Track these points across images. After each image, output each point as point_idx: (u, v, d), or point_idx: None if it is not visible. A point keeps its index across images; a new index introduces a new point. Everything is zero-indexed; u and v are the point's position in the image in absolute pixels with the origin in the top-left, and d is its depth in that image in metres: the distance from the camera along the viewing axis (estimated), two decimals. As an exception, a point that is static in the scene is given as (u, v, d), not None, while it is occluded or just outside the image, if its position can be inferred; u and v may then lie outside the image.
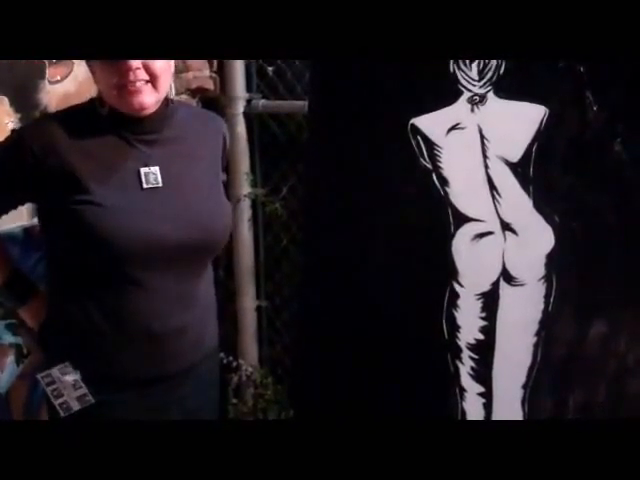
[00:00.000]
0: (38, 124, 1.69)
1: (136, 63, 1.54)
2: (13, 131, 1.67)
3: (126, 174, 1.61)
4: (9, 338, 2.28)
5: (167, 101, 1.66)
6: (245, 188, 2.81)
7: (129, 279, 1.60)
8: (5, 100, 2.20)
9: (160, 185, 1.63)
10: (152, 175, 1.63)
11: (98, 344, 1.65)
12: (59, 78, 2.32)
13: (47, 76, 2.29)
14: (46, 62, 2.28)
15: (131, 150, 1.62)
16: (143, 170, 1.62)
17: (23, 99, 2.24)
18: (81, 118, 1.63)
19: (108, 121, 1.61)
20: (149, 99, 1.58)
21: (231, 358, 2.86)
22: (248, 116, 2.77)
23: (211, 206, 1.71)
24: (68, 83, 2.33)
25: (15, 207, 1.72)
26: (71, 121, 1.62)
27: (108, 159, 1.60)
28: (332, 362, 1.82)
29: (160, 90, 1.59)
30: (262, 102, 2.75)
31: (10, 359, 2.30)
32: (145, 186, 1.61)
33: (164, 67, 1.59)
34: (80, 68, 2.28)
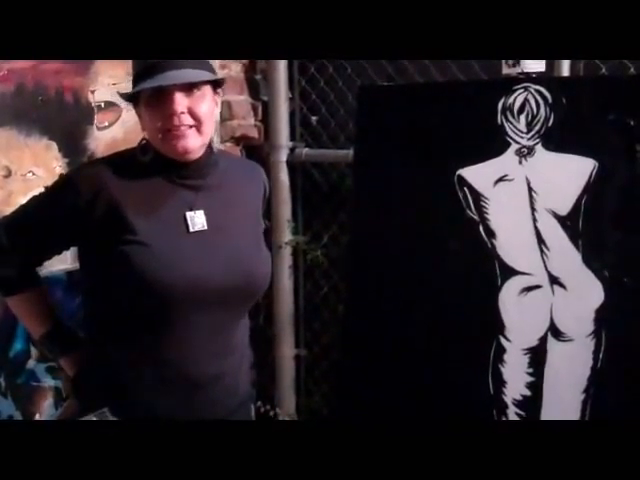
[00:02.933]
0: (86, 168, 1.70)
1: (181, 107, 1.55)
2: (61, 175, 1.69)
3: (173, 217, 1.62)
4: (49, 381, 2.28)
5: (211, 149, 1.67)
6: (287, 235, 2.81)
7: (168, 324, 1.60)
8: (54, 145, 2.23)
9: (206, 229, 1.63)
10: (198, 219, 1.63)
11: (135, 390, 1.64)
12: (107, 124, 2.35)
13: (95, 122, 2.33)
14: (95, 108, 2.32)
15: (177, 194, 1.63)
16: (189, 214, 1.62)
17: (71, 144, 2.27)
18: (129, 162, 1.65)
19: (155, 165, 1.63)
20: (193, 143, 1.59)
21: (268, 407, 2.83)
22: (291, 164, 2.77)
23: (253, 253, 1.71)
24: (116, 129, 2.36)
25: (60, 251, 1.73)
26: (119, 165, 1.63)
27: (155, 201, 1.61)
28: (375, 417, 1.79)
29: (204, 135, 1.60)
30: (305, 151, 2.76)
31: (49, 402, 2.31)
32: (192, 229, 1.62)
33: (208, 112, 1.60)
34: (128, 114, 2.31)
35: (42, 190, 1.70)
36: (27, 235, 1.68)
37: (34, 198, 1.69)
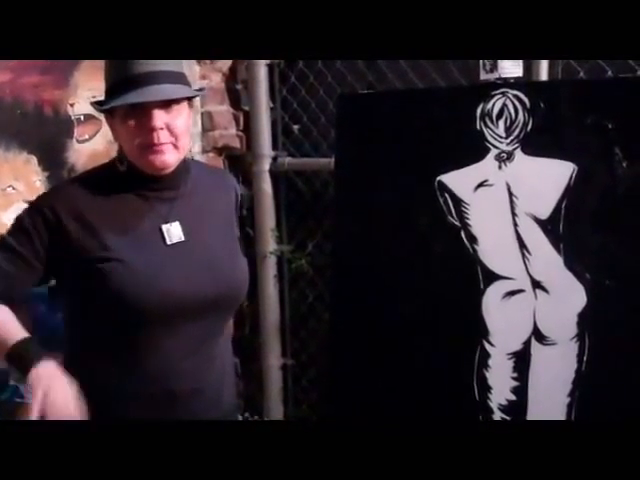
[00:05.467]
0: (57, 191, 1.68)
1: (160, 124, 1.54)
2: (31, 202, 1.67)
3: (148, 231, 1.61)
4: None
5: (184, 159, 1.66)
6: (271, 245, 2.81)
7: (148, 337, 1.59)
8: (33, 159, 2.22)
9: (183, 240, 1.63)
10: (174, 231, 1.62)
11: (115, 403, 1.63)
12: (87, 137, 2.34)
13: (75, 135, 2.32)
14: (74, 121, 2.31)
15: (151, 208, 1.62)
16: (165, 227, 1.62)
17: (51, 158, 2.27)
18: (101, 179, 1.64)
19: (127, 179, 1.62)
20: (171, 158, 1.58)
21: (256, 417, 2.82)
22: (274, 173, 2.77)
23: (230, 261, 1.70)
24: (96, 141, 2.35)
25: (46, 280, 1.68)
26: (91, 183, 1.63)
27: (128, 217, 1.61)
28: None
29: (181, 150, 1.60)
30: (288, 159, 2.76)
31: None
32: (169, 242, 1.61)
33: (185, 127, 1.60)
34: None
35: (14, 221, 1.66)
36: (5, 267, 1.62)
37: (9, 231, 1.64)
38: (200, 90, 1.74)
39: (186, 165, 1.67)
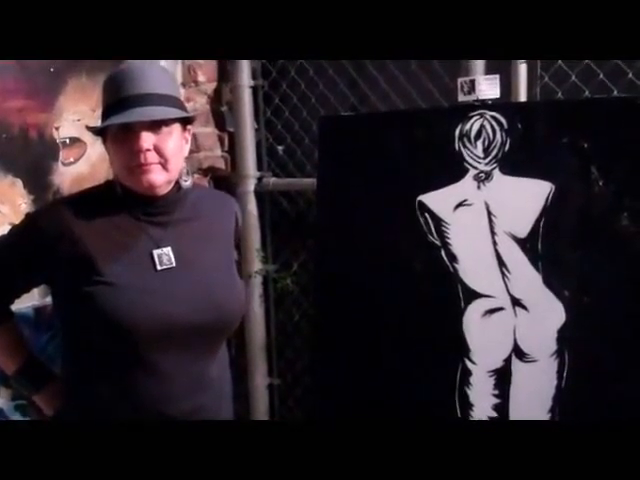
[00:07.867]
0: (52, 207, 1.70)
1: (147, 145, 1.55)
2: (27, 215, 1.69)
3: (139, 256, 1.61)
4: (18, 419, 2.26)
5: (179, 184, 1.67)
6: (256, 264, 2.81)
7: (142, 361, 1.58)
8: (19, 182, 2.23)
9: (174, 266, 1.63)
10: (165, 256, 1.62)
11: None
12: (72, 160, 2.35)
13: (60, 158, 2.33)
14: (60, 144, 2.33)
15: (144, 231, 1.63)
16: (156, 252, 1.62)
17: (36, 181, 2.27)
18: (94, 200, 1.65)
19: (121, 202, 1.63)
20: (159, 178, 1.58)
21: (243, 437, 2.81)
22: (259, 194, 2.78)
23: (224, 286, 1.69)
24: (81, 165, 2.36)
25: (28, 290, 1.73)
26: (84, 203, 1.64)
27: (121, 240, 1.61)
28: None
29: (170, 171, 1.60)
30: (272, 180, 2.77)
31: (19, 440, 2.28)
32: (159, 268, 1.61)
33: (175, 149, 1.59)
34: (93, 150, 2.32)
35: (7, 231, 1.69)
36: None
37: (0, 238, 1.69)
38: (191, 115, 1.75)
39: (183, 191, 1.67)
